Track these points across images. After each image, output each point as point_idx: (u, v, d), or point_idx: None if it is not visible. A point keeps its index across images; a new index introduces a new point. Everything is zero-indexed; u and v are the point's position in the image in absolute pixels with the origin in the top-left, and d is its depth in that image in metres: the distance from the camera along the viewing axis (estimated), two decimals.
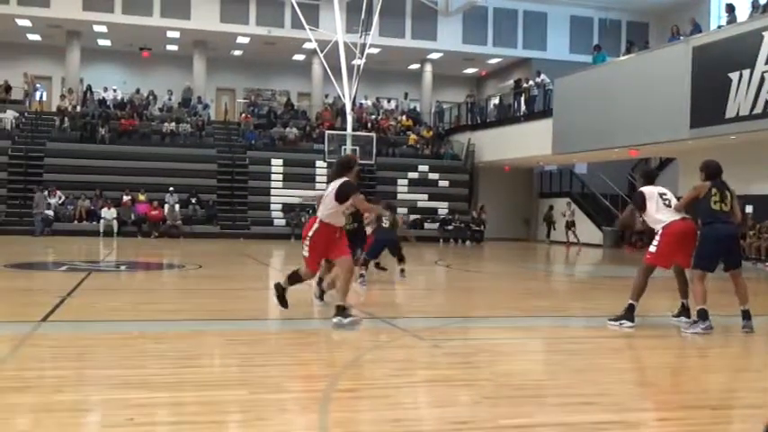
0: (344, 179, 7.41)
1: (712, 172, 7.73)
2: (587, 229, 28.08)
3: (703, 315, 7.39)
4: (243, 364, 5.70)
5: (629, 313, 7.64)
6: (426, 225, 29.29)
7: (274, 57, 34.29)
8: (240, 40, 32.25)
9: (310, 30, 29.05)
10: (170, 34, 31.58)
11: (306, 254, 7.44)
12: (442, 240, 28.27)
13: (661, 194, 7.89)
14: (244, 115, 32.92)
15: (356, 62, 29.02)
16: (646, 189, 8.00)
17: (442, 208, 30.29)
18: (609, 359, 6.40)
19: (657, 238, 7.74)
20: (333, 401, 4.52)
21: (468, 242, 28.50)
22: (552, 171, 32.35)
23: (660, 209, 7.76)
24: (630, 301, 7.69)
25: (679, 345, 7.21)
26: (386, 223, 11.98)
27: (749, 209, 20.25)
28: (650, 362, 6.44)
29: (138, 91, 32.41)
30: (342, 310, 7.20)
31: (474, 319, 8.76)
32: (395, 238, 12.42)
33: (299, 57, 34.30)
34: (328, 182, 7.75)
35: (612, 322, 7.70)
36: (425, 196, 30.51)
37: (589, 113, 23.16)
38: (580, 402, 4.72)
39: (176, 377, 5.09)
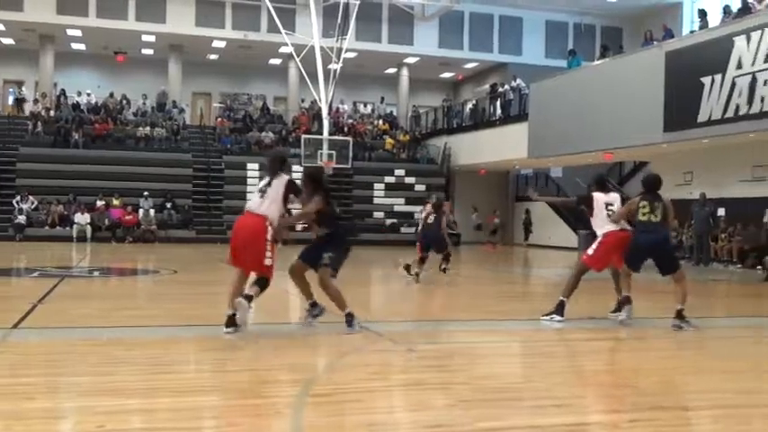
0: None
1: (646, 186, 8.27)
2: (563, 233, 28.24)
3: (624, 301, 8.12)
4: (216, 369, 5.66)
5: (559, 309, 8.14)
6: (403, 229, 29.32)
7: (250, 61, 34.18)
8: (216, 44, 32.11)
9: (286, 34, 28.98)
10: (145, 38, 31.37)
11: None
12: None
13: (607, 204, 8.43)
14: (219, 119, 32.77)
15: (333, 66, 29.00)
16: (596, 195, 8.56)
17: (419, 212, 30.27)
18: (583, 361, 6.43)
19: (596, 244, 8.37)
20: (306, 406, 4.50)
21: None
22: (528, 175, 32.53)
23: (602, 218, 8.38)
24: (561, 298, 8.21)
25: (652, 347, 7.27)
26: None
27: (721, 211, 20.53)
28: (623, 364, 6.48)
29: (112, 95, 32.14)
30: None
31: (450, 322, 8.77)
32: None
33: (275, 61, 34.21)
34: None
35: (545, 317, 8.15)
36: (402, 200, 30.54)
37: (564, 117, 23.32)
38: (554, 405, 4.74)
39: (148, 384, 5.04)
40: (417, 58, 33.53)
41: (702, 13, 21.16)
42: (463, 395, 4.88)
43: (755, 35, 16.99)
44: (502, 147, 27.53)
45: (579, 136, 22.41)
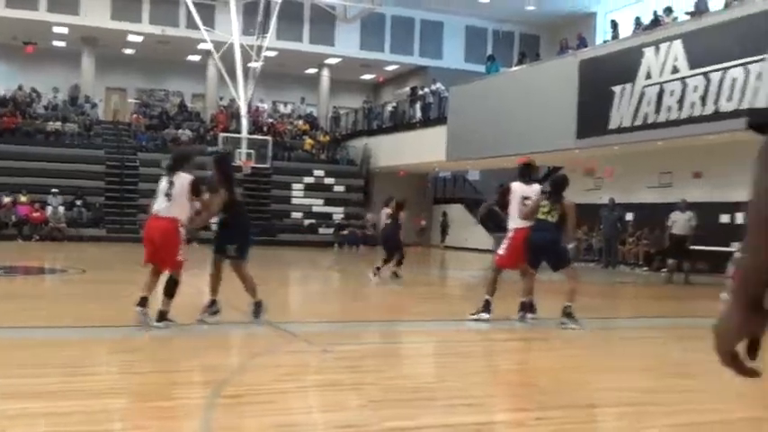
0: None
1: (552, 186, 8.47)
2: (479, 235, 28.69)
3: (523, 306, 8.31)
4: (125, 371, 5.52)
5: (486, 307, 8.26)
6: (321, 230, 29.26)
7: (168, 57, 33.44)
8: (132, 38, 31.28)
9: (206, 30, 28.49)
10: (57, 30, 30.27)
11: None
12: (336, 245, 28.28)
13: (524, 198, 8.36)
14: (135, 116, 31.94)
15: (253, 65, 28.69)
16: (515, 185, 8.50)
17: (338, 213, 30.32)
18: (495, 361, 6.55)
19: (505, 242, 8.44)
20: (217, 408, 4.43)
21: (361, 247, 28.62)
22: (446, 177, 32.93)
23: (517, 212, 8.36)
24: (486, 297, 8.32)
25: (560, 347, 7.46)
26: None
27: (629, 216, 21.24)
28: (532, 363, 6.63)
29: (20, 88, 30.90)
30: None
31: (367, 323, 8.79)
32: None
33: (193, 57, 33.58)
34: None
35: (472, 316, 8.27)
36: (321, 201, 30.48)
37: (482, 121, 23.71)
38: (466, 404, 4.82)
39: (54, 386, 4.87)
40: (338, 59, 33.51)
41: (615, 24, 21.88)
42: (375, 395, 4.90)
43: (664, 47, 17.67)
44: (421, 149, 27.78)
45: (496, 140, 22.83)
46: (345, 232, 29.03)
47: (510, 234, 8.40)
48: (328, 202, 30.49)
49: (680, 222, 15.46)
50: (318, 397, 4.98)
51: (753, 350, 1.47)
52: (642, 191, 21.06)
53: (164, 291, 7.00)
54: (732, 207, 18.23)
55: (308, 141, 32.87)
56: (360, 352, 6.76)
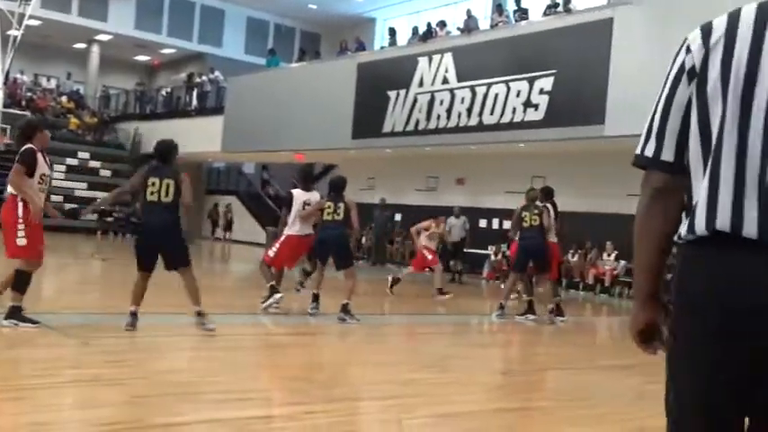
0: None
1: (331, 187, 8.90)
2: (251, 228, 28.53)
3: (315, 298, 8.64)
4: None
5: (271, 293, 8.52)
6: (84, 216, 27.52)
7: None
8: None
9: None
10: None
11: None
12: (100, 233, 26.77)
13: (305, 203, 8.80)
14: None
15: (12, 32, 26.30)
16: (296, 192, 8.92)
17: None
18: (266, 356, 6.54)
19: (278, 244, 8.82)
20: None
21: (129, 235, 27.33)
22: (221, 168, 32.34)
23: (294, 218, 8.76)
24: (270, 284, 8.65)
25: (331, 342, 7.62)
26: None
27: (398, 216, 22.16)
28: (302, 358, 6.70)
29: None
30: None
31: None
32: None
33: None
34: None
35: (263, 304, 8.57)
36: (85, 185, 28.62)
37: (260, 115, 23.57)
38: (236, 399, 4.76)
39: None
40: (110, 36, 31.64)
41: (393, 32, 22.69)
42: (140, 391, 4.70)
43: (436, 58, 18.64)
44: (196, 138, 26.96)
45: (273, 134, 22.81)
46: (110, 219, 27.57)
47: (282, 238, 8.80)
48: (93, 187, 28.70)
49: (456, 227, 16.35)
50: (78, 393, 4.68)
51: (651, 335, 1.79)
52: (411, 193, 22.04)
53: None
54: (489, 213, 19.66)
55: (74, 121, 30.76)
56: (123, 345, 6.44)
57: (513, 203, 17.41)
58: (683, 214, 1.69)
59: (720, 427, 1.64)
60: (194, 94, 29.13)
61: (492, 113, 17.14)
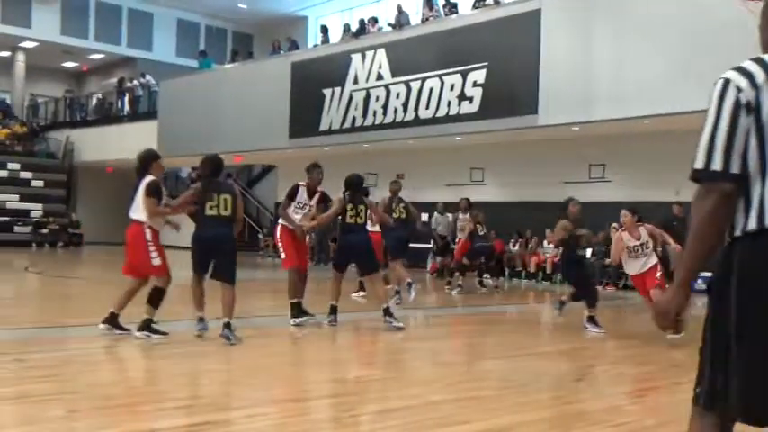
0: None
1: (348, 186, 8.71)
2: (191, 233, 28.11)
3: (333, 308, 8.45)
4: None
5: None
6: (17, 228, 26.81)
7: None
8: None
9: None
10: None
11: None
12: (35, 245, 26.10)
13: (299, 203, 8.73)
14: None
15: None
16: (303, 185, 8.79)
17: (36, 210, 27.92)
18: (203, 362, 6.46)
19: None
20: None
21: (65, 246, 26.72)
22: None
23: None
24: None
25: (274, 343, 7.58)
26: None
27: None
28: (245, 362, 6.64)
29: None
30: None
31: (66, 328, 8.22)
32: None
33: None
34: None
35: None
36: (16, 197, 27.85)
37: (195, 117, 23.28)
38: (175, 407, 4.72)
39: None
40: (36, 44, 30.78)
41: (325, 29, 22.64)
42: (76, 405, 4.60)
43: (369, 54, 18.68)
44: (130, 144, 26.41)
45: (210, 136, 22.51)
46: (45, 231, 26.91)
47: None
48: (25, 198, 27.96)
49: (443, 224, 16.05)
50: (11, 410, 4.56)
51: (679, 317, 2.24)
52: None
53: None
54: (431, 207, 19.79)
55: (3, 131, 29.85)
56: (57, 359, 6.29)
57: (454, 196, 17.66)
58: (742, 213, 2.14)
59: None
60: (126, 99, 28.59)
61: (428, 108, 17.26)
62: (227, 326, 7.00)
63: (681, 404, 2.84)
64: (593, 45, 14.27)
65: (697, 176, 2.15)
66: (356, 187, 8.64)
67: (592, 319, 8.70)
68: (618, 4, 14.14)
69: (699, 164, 2.14)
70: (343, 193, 8.66)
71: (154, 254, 7.21)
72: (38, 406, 4.59)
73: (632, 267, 8.57)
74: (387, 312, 8.24)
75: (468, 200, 14.55)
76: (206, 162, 7.49)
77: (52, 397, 4.81)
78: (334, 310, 8.48)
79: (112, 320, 7.29)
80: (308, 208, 8.61)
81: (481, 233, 13.60)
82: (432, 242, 18.05)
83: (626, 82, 13.60)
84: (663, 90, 13.01)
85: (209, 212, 7.20)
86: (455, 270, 13.97)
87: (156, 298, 7.24)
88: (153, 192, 7.18)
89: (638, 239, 8.34)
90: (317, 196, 8.71)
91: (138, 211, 7.25)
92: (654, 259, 8.49)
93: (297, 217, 8.52)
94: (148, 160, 7.43)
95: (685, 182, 2.26)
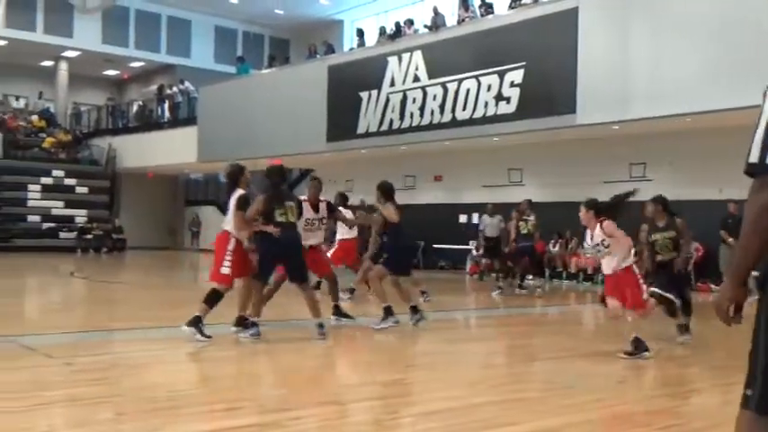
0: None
1: (382, 192, 9.10)
2: None
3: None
4: None
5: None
6: (62, 234, 27.34)
7: None
8: None
9: None
10: None
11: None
12: (80, 250, 26.60)
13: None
14: None
15: None
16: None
17: (81, 216, 28.46)
18: (247, 365, 6.53)
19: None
20: None
21: (108, 252, 27.20)
22: (198, 179, 32.21)
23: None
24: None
25: (309, 346, 7.63)
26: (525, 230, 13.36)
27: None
28: (287, 364, 6.70)
29: None
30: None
31: (112, 332, 8.35)
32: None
33: None
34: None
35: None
36: (61, 203, 28.42)
37: (233, 123, 23.52)
38: (221, 409, 4.77)
39: None
40: (78, 53, 31.38)
41: (361, 33, 22.69)
42: (124, 408, 4.69)
43: (406, 56, 18.69)
44: (171, 150, 26.93)
45: (248, 142, 22.75)
46: (90, 236, 27.41)
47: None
48: (70, 205, 28.51)
49: (491, 225, 15.97)
50: (59, 413, 4.66)
51: (738, 311, 2.27)
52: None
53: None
54: (468, 208, 19.72)
55: (49, 140, 30.46)
56: (104, 362, 6.41)
57: (491, 197, 17.59)
58: None
59: None
60: (166, 105, 28.98)
61: (464, 109, 17.22)
62: (320, 326, 7.48)
63: (727, 406, 2.81)
64: (630, 43, 14.11)
65: (752, 170, 2.15)
66: (390, 194, 9.13)
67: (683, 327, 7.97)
68: (654, 2, 13.96)
69: (753, 158, 2.15)
70: (377, 199, 8.96)
71: (227, 263, 7.46)
72: (87, 409, 4.68)
73: (604, 267, 7.39)
74: (414, 310, 8.58)
75: (530, 200, 14.23)
76: (273, 171, 7.85)
77: (101, 400, 4.91)
78: (390, 311, 8.45)
79: (243, 323, 7.62)
80: (317, 223, 8.61)
81: (524, 232, 13.51)
82: (473, 243, 17.98)
83: (663, 80, 13.42)
84: (700, 88, 12.82)
85: (279, 219, 7.50)
86: (502, 272, 14.30)
87: (212, 299, 7.44)
88: (243, 205, 7.45)
89: (593, 238, 7.27)
90: (322, 207, 8.73)
91: (230, 223, 7.56)
92: (621, 264, 7.06)
93: (308, 235, 8.42)
94: (237, 175, 7.78)
95: (729, 179, 2.26)
